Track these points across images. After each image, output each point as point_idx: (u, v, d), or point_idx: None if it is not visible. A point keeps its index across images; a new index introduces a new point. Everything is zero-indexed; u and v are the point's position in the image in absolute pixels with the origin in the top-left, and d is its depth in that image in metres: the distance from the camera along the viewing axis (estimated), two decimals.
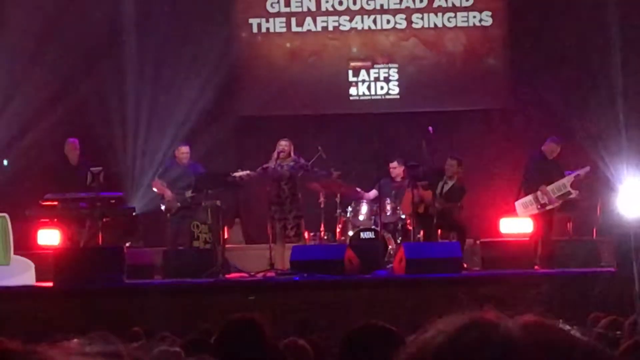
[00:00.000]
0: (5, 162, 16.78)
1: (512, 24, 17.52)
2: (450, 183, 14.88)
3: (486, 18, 17.55)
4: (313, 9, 17.68)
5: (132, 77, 17.28)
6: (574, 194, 14.39)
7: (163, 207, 14.94)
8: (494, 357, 0.98)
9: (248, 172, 14.53)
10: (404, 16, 17.53)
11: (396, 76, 17.59)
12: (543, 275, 13.30)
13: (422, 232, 14.99)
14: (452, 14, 17.65)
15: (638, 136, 15.95)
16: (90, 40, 17.46)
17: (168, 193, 14.82)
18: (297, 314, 10.89)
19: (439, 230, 15.02)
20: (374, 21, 17.62)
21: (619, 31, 16.87)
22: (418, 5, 17.62)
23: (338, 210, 14.79)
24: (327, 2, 17.71)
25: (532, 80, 17.12)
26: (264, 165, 14.41)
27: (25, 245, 14.10)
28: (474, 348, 0.99)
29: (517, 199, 14.85)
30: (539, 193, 14.49)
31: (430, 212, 14.91)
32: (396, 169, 15.09)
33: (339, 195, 14.89)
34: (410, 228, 14.49)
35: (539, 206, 14.50)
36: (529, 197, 14.54)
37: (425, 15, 17.65)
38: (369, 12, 17.70)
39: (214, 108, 16.90)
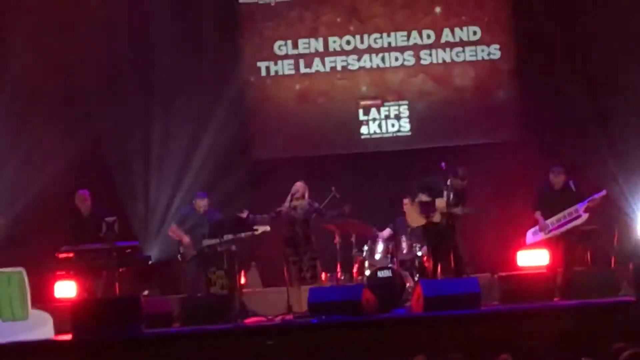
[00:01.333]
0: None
1: (521, 57, 17.41)
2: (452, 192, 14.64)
3: (494, 52, 17.56)
4: (321, 49, 17.73)
5: (144, 127, 17.28)
6: (584, 218, 14.04)
7: (180, 255, 14.83)
8: None
9: (264, 216, 14.55)
10: (412, 53, 17.57)
11: (407, 113, 17.58)
12: (562, 307, 13.06)
13: (439, 267, 14.31)
14: (460, 49, 17.65)
15: None
16: (98, 85, 17.35)
17: (186, 239, 14.77)
18: (316, 357, 10.67)
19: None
20: (382, 59, 17.58)
21: (628, 60, 16.82)
22: (426, 41, 17.63)
23: (354, 250, 14.63)
24: (334, 42, 17.74)
25: (543, 112, 17.15)
26: (277, 209, 14.24)
27: (42, 299, 13.95)
28: None
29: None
30: (549, 221, 14.56)
31: (441, 221, 14.46)
32: (409, 208, 14.76)
33: (354, 236, 14.67)
34: (427, 265, 14.23)
35: (544, 236, 14.44)
36: (536, 230, 14.63)
37: (434, 51, 17.65)
38: (377, 51, 17.68)
39: (227, 154, 17.01)
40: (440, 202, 14.02)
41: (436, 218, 14.16)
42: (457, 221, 14.18)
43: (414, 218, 14.55)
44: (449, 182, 14.12)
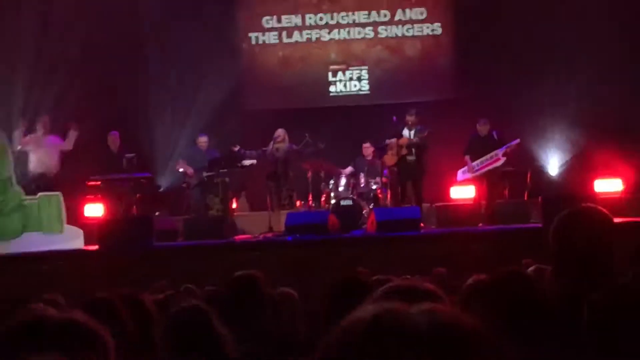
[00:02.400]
0: None
1: (458, 33, 17.37)
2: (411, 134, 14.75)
3: (437, 29, 17.49)
4: (299, 24, 17.63)
5: (158, 83, 17.15)
6: (502, 161, 14.18)
7: (184, 184, 14.79)
8: (402, 341, 1.01)
9: (252, 152, 14.53)
10: (372, 28, 17.50)
11: (366, 76, 17.54)
12: (486, 231, 13.23)
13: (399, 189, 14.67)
14: (410, 26, 17.52)
15: (558, 119, 16.10)
16: (122, 54, 17.02)
17: (190, 170, 14.66)
18: (290, 268, 10.69)
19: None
20: (348, 33, 17.55)
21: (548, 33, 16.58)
22: (383, 19, 17.53)
23: (322, 184, 14.54)
24: (310, 18, 17.62)
25: (474, 76, 16.80)
26: (263, 149, 14.36)
27: (75, 218, 13.93)
28: (388, 334, 1.02)
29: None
30: (469, 166, 14.61)
31: (409, 156, 14.52)
32: (368, 148, 14.93)
33: (323, 172, 14.59)
34: (380, 196, 14.44)
35: (473, 174, 14.44)
36: (473, 166, 14.48)
37: (389, 27, 17.57)
38: (344, 26, 17.61)
39: (223, 104, 16.73)
40: (403, 139, 14.08)
41: (403, 151, 14.15)
42: (422, 154, 14.17)
43: (389, 158, 14.48)
44: (407, 121, 14.21)
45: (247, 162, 14.37)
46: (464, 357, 1.01)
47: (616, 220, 3.44)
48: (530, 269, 5.69)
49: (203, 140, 14.79)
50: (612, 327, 2.41)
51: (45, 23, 16.57)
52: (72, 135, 14.47)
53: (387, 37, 17.59)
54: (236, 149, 14.53)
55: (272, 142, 14.21)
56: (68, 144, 14.52)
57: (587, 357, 2.68)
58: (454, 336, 1.01)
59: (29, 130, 14.63)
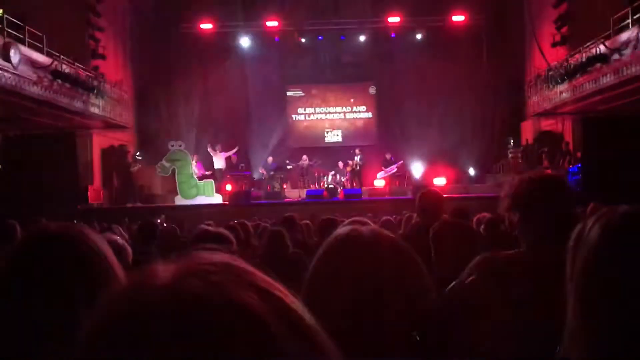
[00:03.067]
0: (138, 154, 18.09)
1: (379, 116, 20.93)
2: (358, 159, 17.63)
3: (369, 114, 21.25)
4: (313, 112, 21.36)
5: (255, 132, 20.04)
6: (395, 170, 18.04)
7: (263, 177, 18.02)
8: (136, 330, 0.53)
9: (291, 166, 18.18)
10: (342, 114, 21.41)
11: (340, 134, 21.34)
12: (387, 199, 15.66)
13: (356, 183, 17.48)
14: (358, 113, 21.38)
15: (422, 150, 19.25)
16: (235, 115, 19.88)
17: (264, 171, 17.85)
18: (308, 213, 10.58)
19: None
20: (332, 116, 21.36)
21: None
22: (346, 110, 21.35)
23: (322, 177, 18.17)
24: (316, 109, 21.32)
25: (386, 132, 20.14)
26: (297, 163, 18.20)
27: (221, 190, 16.82)
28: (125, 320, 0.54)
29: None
30: (381, 172, 18.01)
31: (356, 167, 17.62)
32: (340, 164, 18.30)
33: (322, 173, 18.31)
34: (347, 185, 17.71)
35: (383, 176, 18.03)
36: (381, 173, 18.02)
37: (349, 113, 21.40)
38: (330, 113, 21.37)
39: (280, 143, 20.18)
40: (355, 161, 17.43)
41: (354, 165, 17.58)
42: (362, 167, 17.61)
43: (349, 168, 17.58)
44: (356, 152, 17.60)
45: (288, 167, 18.12)
46: (214, 344, 0.51)
47: (444, 195, 4.08)
48: (406, 215, 6.42)
49: (270, 159, 18.36)
50: (440, 241, 2.56)
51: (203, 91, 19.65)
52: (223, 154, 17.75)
53: (348, 117, 21.45)
54: (287, 163, 18.15)
55: (301, 160, 18.19)
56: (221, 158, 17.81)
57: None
58: (200, 319, 0.52)
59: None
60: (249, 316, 0.54)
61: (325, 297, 1.04)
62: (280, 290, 0.59)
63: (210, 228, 3.01)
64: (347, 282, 1.04)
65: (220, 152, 17.80)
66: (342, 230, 1.19)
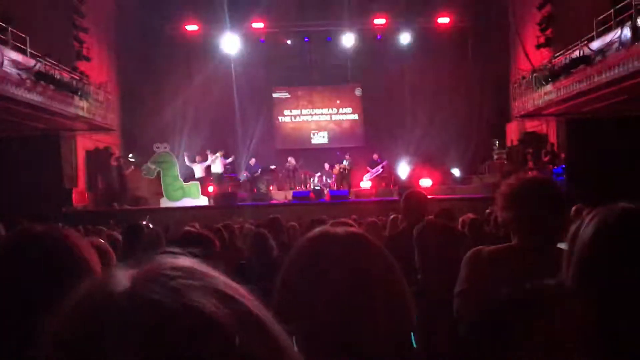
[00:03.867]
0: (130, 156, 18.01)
1: (365, 117, 20.94)
2: (346, 164, 17.79)
3: (355, 116, 21.41)
4: (299, 113, 21.44)
5: (242, 135, 20.04)
6: (381, 170, 18.17)
7: (248, 179, 18.11)
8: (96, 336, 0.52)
9: (275, 167, 18.32)
10: (328, 115, 21.51)
11: (326, 135, 21.41)
12: (373, 200, 15.58)
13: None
14: (344, 115, 21.46)
15: (407, 151, 19.45)
16: (223, 116, 19.79)
17: (248, 174, 17.94)
18: (294, 214, 10.89)
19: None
20: (318, 117, 21.45)
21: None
22: (332, 112, 21.40)
23: (307, 179, 18.43)
24: (303, 111, 21.40)
25: (372, 134, 20.52)
26: (286, 165, 18.39)
27: (204, 192, 16.75)
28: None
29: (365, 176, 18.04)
30: (367, 174, 18.19)
31: (343, 171, 17.58)
32: (326, 165, 18.43)
33: (308, 175, 18.58)
34: (334, 186, 17.77)
35: (369, 178, 18.20)
36: (367, 175, 18.20)
37: (335, 115, 21.47)
38: (317, 114, 21.44)
39: (266, 146, 20.26)
40: (342, 164, 17.60)
41: (341, 168, 17.59)
42: (350, 170, 17.61)
43: (335, 170, 17.53)
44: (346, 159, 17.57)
45: (272, 167, 18.27)
46: (170, 350, 0.50)
47: (429, 196, 4.06)
48: (391, 217, 6.29)
49: (253, 160, 18.48)
50: (423, 242, 2.58)
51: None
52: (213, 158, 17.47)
53: (334, 119, 21.61)
54: (272, 167, 18.22)
55: (287, 162, 18.41)
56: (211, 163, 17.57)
57: None
58: (157, 325, 0.51)
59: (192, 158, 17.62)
60: (207, 321, 0.53)
61: (296, 299, 1.03)
62: (242, 294, 0.58)
63: (193, 230, 3.00)
64: (317, 283, 1.02)
65: (201, 162, 17.73)
66: (314, 231, 1.17)
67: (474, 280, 1.98)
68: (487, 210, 7.29)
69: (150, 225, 9.16)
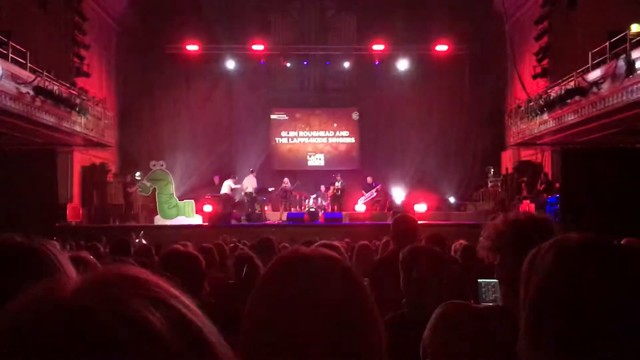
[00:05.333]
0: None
1: (361, 140, 21.15)
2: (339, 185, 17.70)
3: (352, 139, 21.39)
4: (296, 135, 21.38)
5: (240, 157, 19.92)
6: (375, 194, 17.94)
7: (245, 199, 17.53)
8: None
9: (273, 188, 18.01)
10: (325, 138, 21.47)
11: (323, 157, 21.35)
12: (366, 224, 15.61)
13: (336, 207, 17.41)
14: (341, 138, 21.48)
15: (401, 178, 19.46)
16: (220, 136, 19.89)
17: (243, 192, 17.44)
18: (287, 235, 11.13)
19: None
20: (315, 139, 21.40)
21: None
22: (329, 134, 21.38)
23: (302, 201, 18.25)
24: (300, 133, 21.37)
25: (366, 159, 20.57)
26: (281, 187, 18.06)
27: (199, 211, 16.84)
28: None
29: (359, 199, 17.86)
30: (362, 197, 18.00)
31: (337, 193, 17.58)
32: (322, 188, 18.39)
33: (302, 196, 18.34)
34: (328, 208, 17.62)
35: (363, 202, 18.04)
36: (361, 198, 17.97)
37: (331, 138, 21.43)
38: (313, 137, 21.39)
39: (264, 166, 19.94)
40: (336, 186, 17.42)
41: (335, 190, 17.53)
42: (343, 192, 17.62)
43: (329, 192, 17.52)
44: (337, 177, 17.60)
45: (270, 190, 18.04)
46: (100, 357, 0.49)
47: (420, 222, 4.12)
48: (383, 241, 6.17)
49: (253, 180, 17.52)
50: (409, 267, 2.47)
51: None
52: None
53: (331, 142, 21.54)
54: (270, 189, 17.83)
55: (282, 183, 18.09)
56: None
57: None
58: (89, 332, 0.50)
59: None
60: (141, 328, 0.52)
61: (264, 320, 1.01)
62: (183, 302, 0.57)
63: (180, 248, 2.97)
64: (285, 305, 1.00)
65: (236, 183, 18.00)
66: (286, 251, 1.16)
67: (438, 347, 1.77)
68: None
69: (144, 242, 9.26)
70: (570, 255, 1.13)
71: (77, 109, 14.89)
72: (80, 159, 17.49)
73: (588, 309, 1.06)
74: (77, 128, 15.34)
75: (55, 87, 13.89)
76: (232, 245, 7.19)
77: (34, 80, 13.07)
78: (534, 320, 1.11)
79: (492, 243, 1.81)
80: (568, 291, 1.08)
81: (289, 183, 18.18)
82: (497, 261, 1.83)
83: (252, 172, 17.64)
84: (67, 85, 14.77)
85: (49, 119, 13.85)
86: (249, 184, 17.46)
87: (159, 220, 16.61)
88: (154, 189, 16.80)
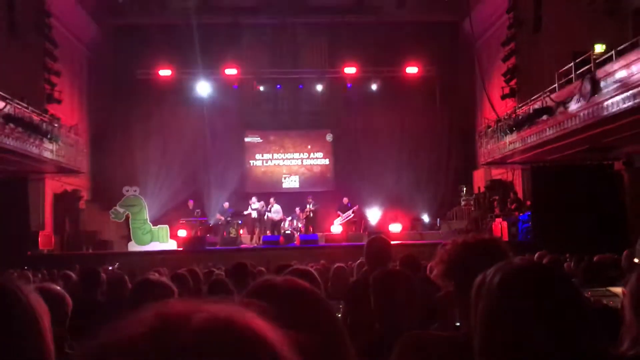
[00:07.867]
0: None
1: (335, 162, 21.19)
2: (311, 207, 17.71)
3: (326, 161, 21.44)
4: (270, 158, 21.37)
5: (211, 180, 19.84)
6: (352, 215, 18.02)
7: (220, 223, 17.88)
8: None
9: (250, 212, 17.68)
10: (299, 160, 21.41)
11: (297, 179, 21.30)
12: (343, 245, 15.69)
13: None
14: (315, 160, 21.49)
15: (377, 197, 19.45)
16: (193, 163, 19.86)
17: (222, 217, 17.79)
18: (263, 259, 11.31)
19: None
20: (290, 162, 21.36)
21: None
22: (304, 156, 21.35)
23: (281, 223, 17.83)
24: (274, 155, 21.36)
25: (341, 180, 20.63)
26: (255, 208, 17.71)
27: (173, 236, 16.75)
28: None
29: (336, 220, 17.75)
30: (338, 218, 17.97)
31: (311, 214, 17.66)
32: (297, 210, 18.22)
33: (280, 218, 17.93)
34: (303, 230, 17.55)
35: (340, 223, 17.98)
36: (338, 219, 17.93)
37: (306, 159, 21.41)
38: (288, 159, 21.37)
39: (237, 189, 19.98)
40: (308, 208, 17.49)
41: (308, 212, 17.47)
42: (316, 214, 17.65)
43: (304, 214, 17.60)
44: (309, 200, 17.61)
45: (245, 213, 17.82)
46: None
47: (394, 242, 4.96)
48: (357, 262, 6.24)
49: (226, 204, 18.15)
50: (379, 290, 2.44)
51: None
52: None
53: (305, 164, 21.50)
54: (245, 212, 17.87)
55: (269, 203, 17.80)
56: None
57: None
58: None
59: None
60: None
61: None
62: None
63: (152, 277, 2.90)
64: None
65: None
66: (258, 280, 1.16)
67: None
68: None
69: (115, 269, 9.28)
70: (512, 281, 1.19)
71: (48, 135, 14.84)
72: (52, 185, 17.34)
73: (529, 330, 1.12)
74: (49, 155, 15.25)
75: (26, 115, 13.87)
76: (206, 271, 7.14)
77: (4, 107, 12.97)
78: (482, 344, 1.16)
79: (444, 269, 1.80)
80: (511, 316, 1.14)
81: (263, 206, 17.99)
82: (450, 287, 1.82)
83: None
84: (38, 112, 14.66)
85: (20, 146, 13.73)
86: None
87: (133, 246, 16.50)
88: (127, 214, 16.61)
